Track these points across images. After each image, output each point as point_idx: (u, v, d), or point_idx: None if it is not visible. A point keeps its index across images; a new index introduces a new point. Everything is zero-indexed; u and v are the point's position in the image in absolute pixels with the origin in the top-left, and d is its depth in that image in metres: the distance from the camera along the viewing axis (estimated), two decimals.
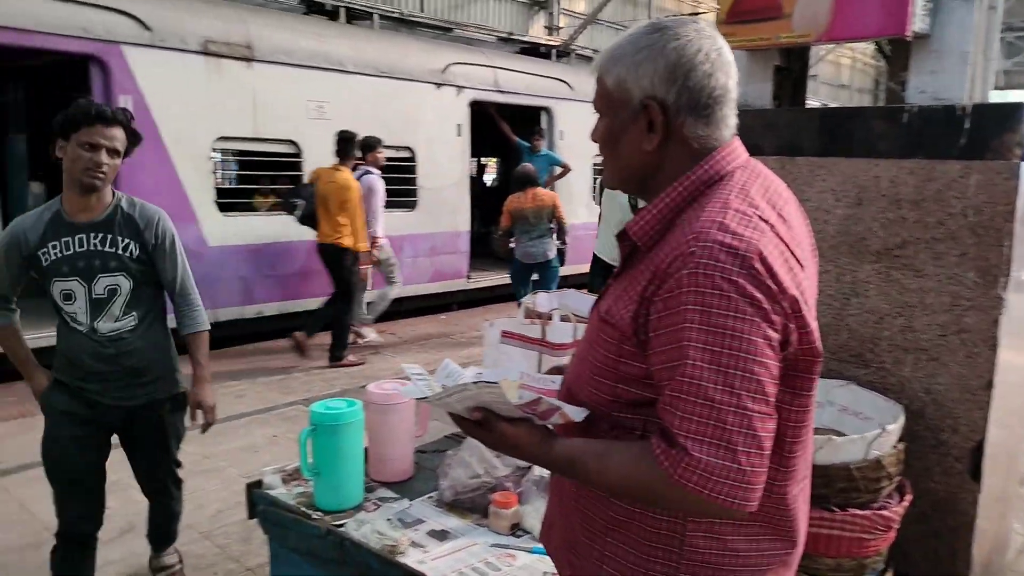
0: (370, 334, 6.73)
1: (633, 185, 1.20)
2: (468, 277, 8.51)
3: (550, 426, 1.14)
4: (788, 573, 1.17)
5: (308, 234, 6.89)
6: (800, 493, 1.17)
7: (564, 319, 2.38)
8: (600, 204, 6.03)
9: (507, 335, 2.29)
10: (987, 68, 2.52)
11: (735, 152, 1.14)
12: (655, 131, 1.11)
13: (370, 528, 1.83)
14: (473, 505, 2.02)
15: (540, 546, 1.86)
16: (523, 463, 2.17)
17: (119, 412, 2.40)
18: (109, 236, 2.32)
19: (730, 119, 1.14)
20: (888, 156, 2.34)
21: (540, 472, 2.01)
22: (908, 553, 2.38)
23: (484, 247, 10.33)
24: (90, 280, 2.30)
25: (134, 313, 2.36)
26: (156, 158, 5.87)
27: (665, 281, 1.01)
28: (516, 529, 1.92)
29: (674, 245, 1.03)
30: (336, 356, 6.01)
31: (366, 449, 2.22)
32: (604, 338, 1.11)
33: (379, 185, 6.28)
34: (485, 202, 12.01)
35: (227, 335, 6.41)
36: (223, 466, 3.99)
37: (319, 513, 1.96)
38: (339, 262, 5.94)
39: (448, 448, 2.45)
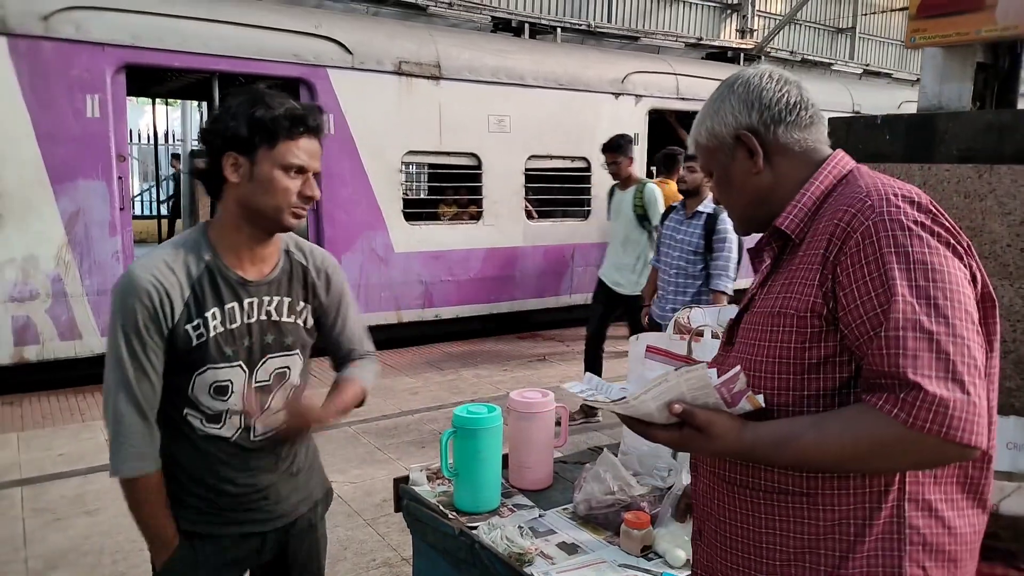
0: None
1: (759, 214, 1.24)
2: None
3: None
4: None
5: (485, 242, 7.18)
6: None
7: (715, 336, 2.27)
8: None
9: (652, 350, 2.23)
10: None
11: (847, 156, 1.23)
12: (755, 152, 1.21)
13: (500, 534, 1.86)
14: (607, 522, 1.98)
15: (671, 572, 1.80)
16: (661, 483, 2.11)
17: (273, 537, 1.73)
18: (288, 300, 1.64)
19: (820, 125, 1.23)
20: None
21: (676, 493, 1.94)
22: None
23: None
24: (256, 364, 1.60)
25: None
26: (354, 172, 6.42)
27: (848, 238, 1.04)
28: (647, 551, 1.86)
29: (842, 210, 1.07)
30: None
31: (507, 455, 2.26)
32: (783, 330, 1.11)
33: None
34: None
35: (407, 335, 6.85)
36: (393, 458, 4.26)
37: (455, 513, 2.03)
38: None
39: (588, 460, 2.44)
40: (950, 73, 2.50)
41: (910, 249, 1.00)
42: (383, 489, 3.82)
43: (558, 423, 2.27)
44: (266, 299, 1.62)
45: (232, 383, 1.58)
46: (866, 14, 13.26)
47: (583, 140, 7.64)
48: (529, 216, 7.52)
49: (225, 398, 1.58)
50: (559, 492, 2.21)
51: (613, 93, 7.79)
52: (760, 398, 1.09)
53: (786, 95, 1.20)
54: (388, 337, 6.60)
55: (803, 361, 1.08)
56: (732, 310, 2.79)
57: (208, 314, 1.53)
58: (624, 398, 1.10)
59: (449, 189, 7.61)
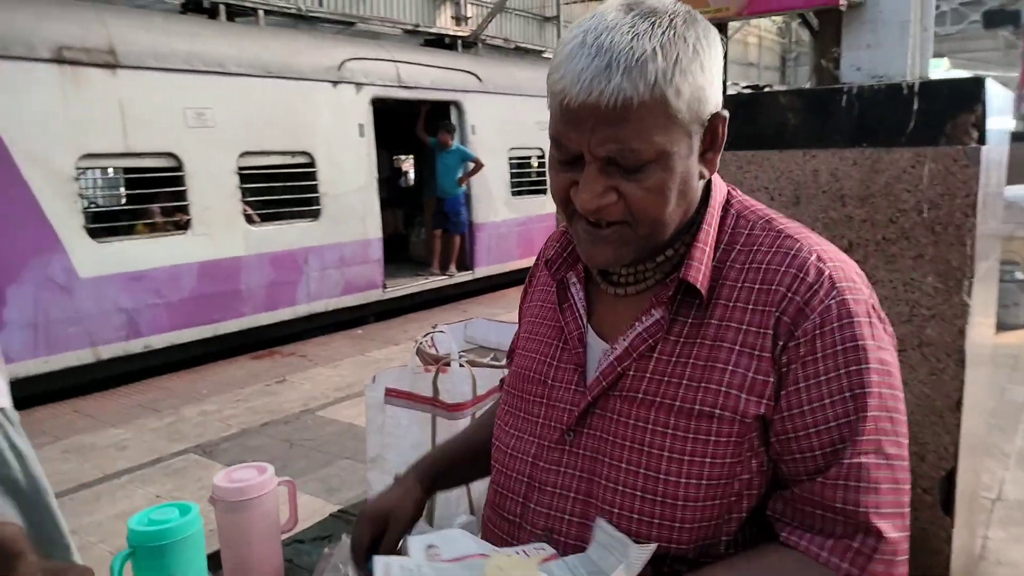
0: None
1: (660, 240, 0.83)
2: (384, 287, 7.98)
3: None
4: None
5: (198, 255, 6.29)
6: None
7: (465, 365, 1.96)
8: None
9: (392, 393, 1.85)
10: (924, 39, 2.22)
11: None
12: (719, 145, 0.81)
13: None
14: None
15: None
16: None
17: None
18: None
19: None
20: (827, 146, 2.01)
21: None
22: None
23: (403, 252, 9.85)
24: None
25: None
26: (6, 184, 5.13)
27: (802, 317, 0.77)
28: None
29: (783, 272, 0.80)
30: None
31: (217, 553, 1.74)
32: (710, 439, 0.79)
33: None
34: (402, 203, 11.47)
35: (110, 375, 5.74)
36: (92, 543, 3.40)
37: None
38: None
39: (332, 533, 2.00)
40: None
41: (872, 344, 0.77)
42: None
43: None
44: None
45: None
46: (568, 3, 14.03)
47: (303, 133, 6.99)
48: (250, 221, 6.71)
49: None
50: None
51: (331, 81, 7.21)
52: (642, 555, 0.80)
53: None
54: (83, 381, 5.46)
55: (732, 478, 0.79)
56: (484, 325, 2.51)
57: None
58: None
59: (144, 197, 6.47)
